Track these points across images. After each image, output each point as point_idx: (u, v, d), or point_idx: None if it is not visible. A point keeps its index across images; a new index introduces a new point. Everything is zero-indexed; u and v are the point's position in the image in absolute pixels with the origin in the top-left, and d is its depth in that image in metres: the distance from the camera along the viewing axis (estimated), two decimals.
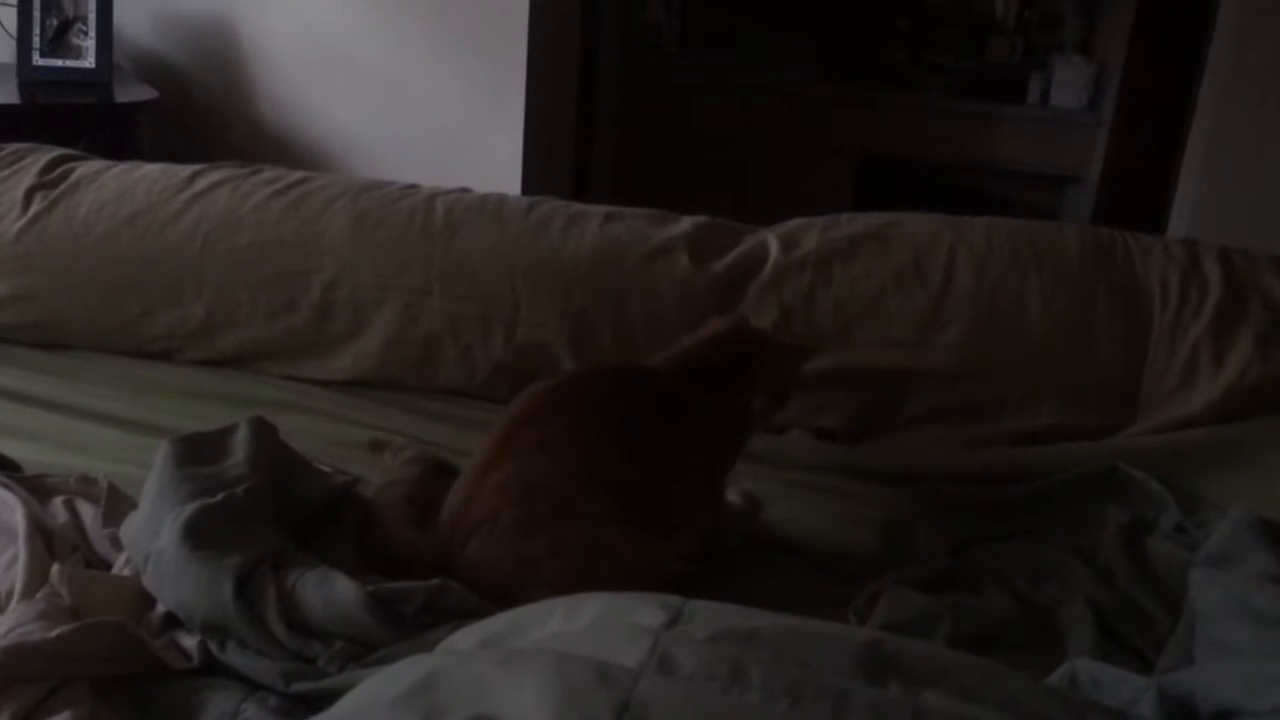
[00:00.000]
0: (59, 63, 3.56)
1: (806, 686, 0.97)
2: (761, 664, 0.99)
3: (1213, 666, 1.42)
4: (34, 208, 2.32)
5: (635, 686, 0.97)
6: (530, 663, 1.02)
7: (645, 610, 1.10)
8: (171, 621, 1.46)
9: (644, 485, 1.61)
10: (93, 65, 3.55)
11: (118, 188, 2.35)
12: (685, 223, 2.28)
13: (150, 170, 2.41)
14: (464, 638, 1.20)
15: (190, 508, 1.48)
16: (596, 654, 1.01)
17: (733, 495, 1.85)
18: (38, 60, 3.55)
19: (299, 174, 2.41)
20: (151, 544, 1.47)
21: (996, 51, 5.27)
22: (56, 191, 2.35)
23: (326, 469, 1.83)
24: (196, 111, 3.81)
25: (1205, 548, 1.70)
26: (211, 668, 1.41)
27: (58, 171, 2.41)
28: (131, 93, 3.54)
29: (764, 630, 1.06)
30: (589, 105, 4.26)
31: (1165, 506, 1.85)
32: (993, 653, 1.48)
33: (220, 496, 1.51)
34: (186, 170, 2.40)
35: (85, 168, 2.43)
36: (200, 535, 1.45)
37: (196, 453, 1.62)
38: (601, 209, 2.31)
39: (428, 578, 1.47)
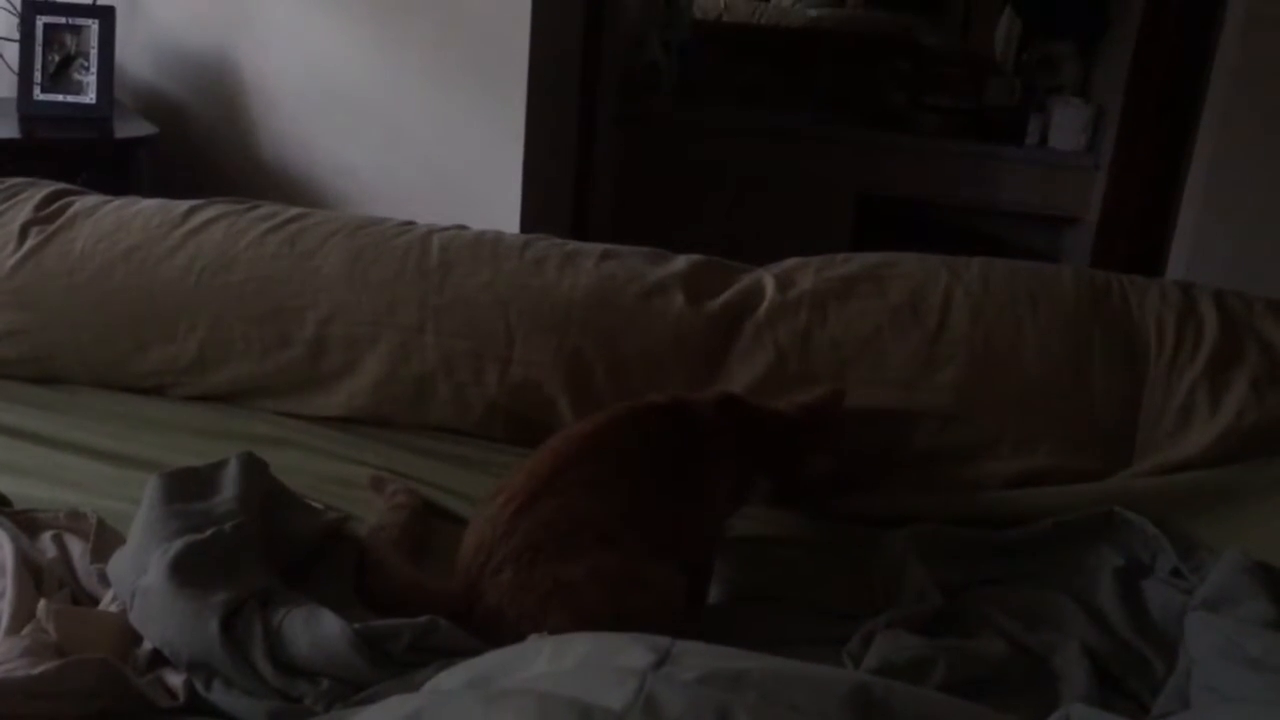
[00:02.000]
0: (60, 98, 3.56)
1: None
2: (748, 707, 0.98)
3: (1208, 713, 1.42)
4: (29, 242, 2.31)
5: None
6: (515, 703, 1.01)
7: (632, 651, 1.09)
8: (158, 659, 1.45)
9: (669, 520, 1.66)
10: (93, 100, 3.56)
11: (114, 223, 2.34)
12: (681, 261, 2.27)
13: (147, 205, 2.41)
14: (450, 677, 1.20)
15: (177, 544, 1.47)
16: (582, 695, 1.00)
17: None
18: (39, 95, 3.55)
19: (295, 210, 2.41)
20: (138, 580, 1.46)
21: (995, 93, 5.29)
22: (53, 226, 2.34)
23: (318, 505, 1.82)
24: (196, 147, 3.82)
25: (1200, 591, 1.69)
26: (197, 706, 1.40)
27: (54, 206, 2.41)
28: (132, 128, 3.55)
29: (752, 672, 1.05)
30: (588, 144, 4.26)
31: (1161, 550, 1.84)
32: (987, 698, 1.47)
33: (208, 533, 1.50)
34: (183, 206, 2.40)
35: (82, 202, 2.42)
36: (187, 572, 1.44)
37: (185, 488, 1.61)
38: (597, 247, 2.30)
39: (440, 614, 1.47)
